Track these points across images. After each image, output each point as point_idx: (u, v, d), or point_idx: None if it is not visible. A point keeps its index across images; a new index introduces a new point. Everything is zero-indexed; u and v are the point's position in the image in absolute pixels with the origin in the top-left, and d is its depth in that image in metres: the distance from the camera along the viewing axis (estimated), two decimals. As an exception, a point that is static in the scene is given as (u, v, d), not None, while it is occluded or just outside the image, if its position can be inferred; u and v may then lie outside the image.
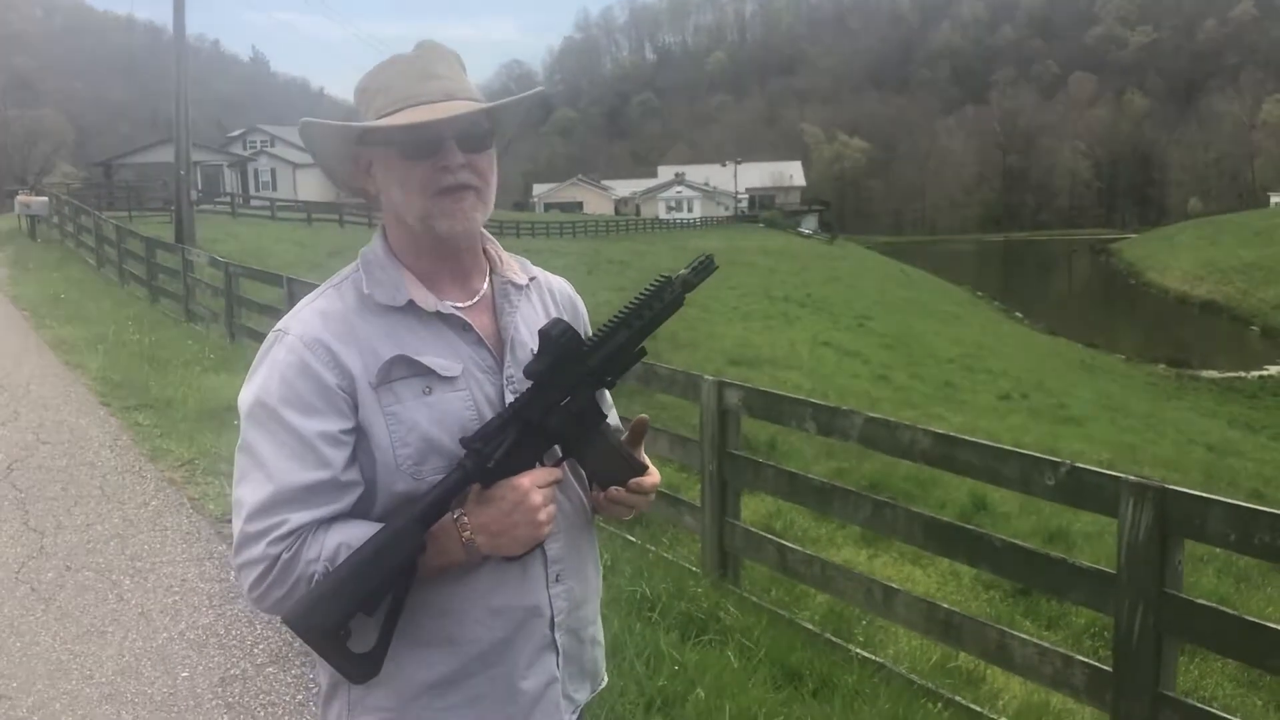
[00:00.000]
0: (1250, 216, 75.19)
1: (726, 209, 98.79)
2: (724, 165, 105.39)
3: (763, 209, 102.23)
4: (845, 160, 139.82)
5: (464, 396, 1.54)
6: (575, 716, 1.70)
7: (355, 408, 1.49)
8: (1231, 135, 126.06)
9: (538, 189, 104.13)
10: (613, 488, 1.61)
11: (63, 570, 5.24)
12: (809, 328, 26.74)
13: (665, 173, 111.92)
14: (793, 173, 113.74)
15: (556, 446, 1.57)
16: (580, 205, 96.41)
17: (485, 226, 1.62)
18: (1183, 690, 3.77)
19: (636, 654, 4.05)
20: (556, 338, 1.51)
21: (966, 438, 4.21)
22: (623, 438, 1.66)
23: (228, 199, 42.60)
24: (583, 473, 1.67)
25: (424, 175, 1.51)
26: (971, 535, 4.19)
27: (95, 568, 5.28)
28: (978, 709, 4.15)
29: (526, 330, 1.63)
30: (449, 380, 1.53)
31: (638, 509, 1.66)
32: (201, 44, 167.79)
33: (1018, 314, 49.32)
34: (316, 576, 1.42)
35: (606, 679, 1.81)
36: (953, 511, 8.03)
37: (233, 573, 5.03)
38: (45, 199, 29.73)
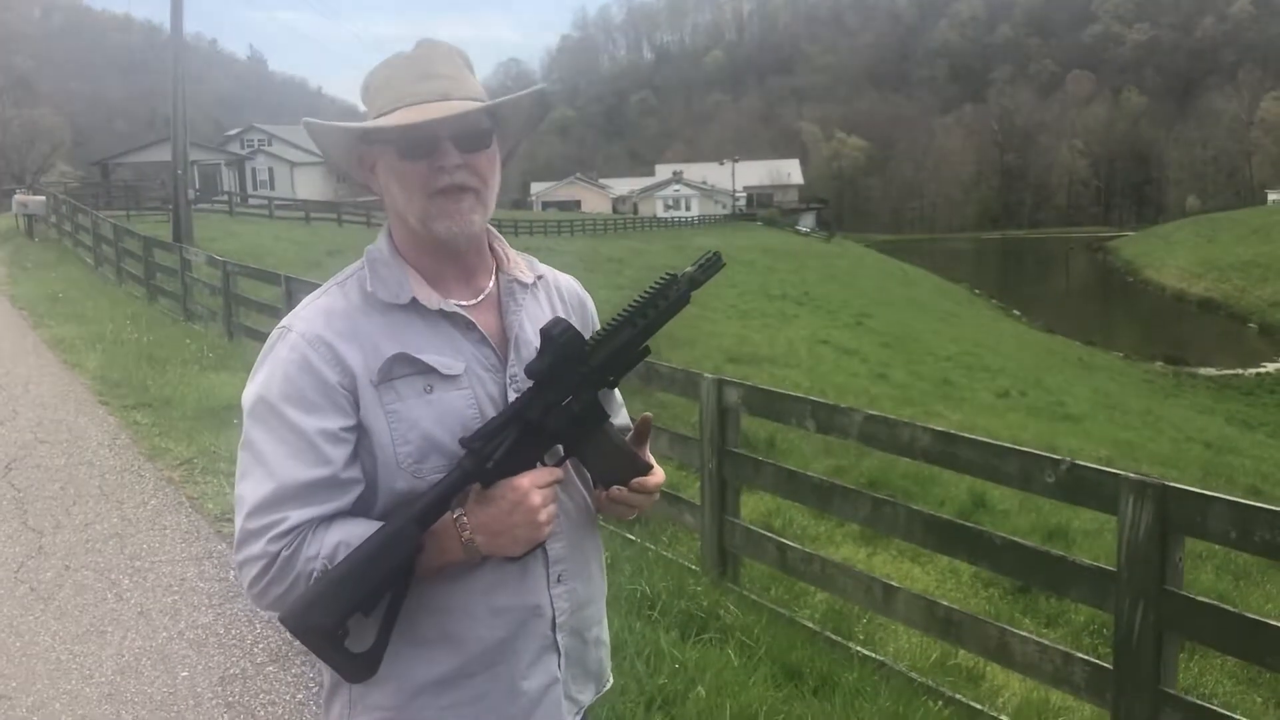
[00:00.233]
0: (1248, 214, 75.30)
1: (724, 207, 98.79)
2: (722, 164, 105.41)
3: (761, 207, 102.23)
4: (843, 158, 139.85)
5: (466, 395, 1.53)
6: (579, 718, 1.70)
7: (356, 405, 1.49)
8: (1229, 133, 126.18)
9: (536, 187, 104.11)
10: (615, 487, 1.60)
11: (62, 570, 5.24)
12: (807, 326, 26.76)
13: (663, 171, 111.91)
14: (790, 171, 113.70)
15: (559, 446, 1.56)
16: (578, 204, 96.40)
17: None
18: (1183, 687, 3.77)
19: (637, 652, 4.05)
20: (558, 337, 1.50)
21: (967, 435, 4.20)
22: (627, 436, 1.65)
23: (225, 198, 42.57)
24: (586, 473, 1.66)
25: (422, 175, 1.50)
26: (971, 533, 4.19)
27: (94, 567, 5.27)
28: (978, 706, 4.15)
29: (531, 329, 1.62)
30: (451, 379, 1.53)
31: (641, 509, 1.65)
32: (199, 43, 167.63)
33: (1016, 312, 49.37)
34: (316, 574, 1.41)
35: (612, 680, 1.79)
36: (952, 509, 8.03)
37: (233, 569, 5.03)
38: (43, 198, 29.68)
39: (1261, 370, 35.09)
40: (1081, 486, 3.61)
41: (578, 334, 1.52)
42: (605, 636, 1.76)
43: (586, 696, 1.71)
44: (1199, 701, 3.45)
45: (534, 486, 1.47)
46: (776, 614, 4.90)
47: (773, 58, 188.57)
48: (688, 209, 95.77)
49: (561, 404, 1.52)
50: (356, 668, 1.44)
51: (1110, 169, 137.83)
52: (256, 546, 1.43)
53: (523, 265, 1.70)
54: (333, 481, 1.46)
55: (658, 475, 1.63)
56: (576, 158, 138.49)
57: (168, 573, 5.20)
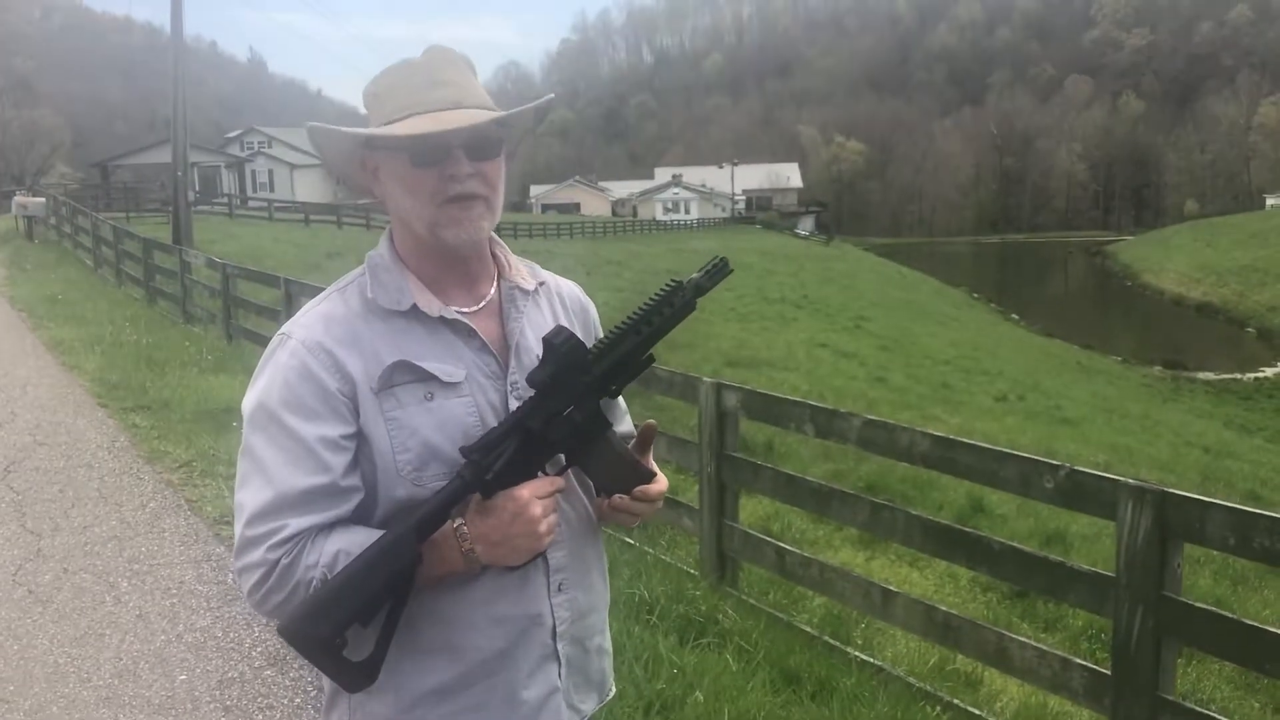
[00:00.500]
0: (1246, 219, 75.35)
1: (723, 210, 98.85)
2: (721, 167, 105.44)
3: (760, 210, 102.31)
4: (842, 162, 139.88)
5: (466, 403, 1.53)
6: None
7: (356, 413, 1.49)
8: (1228, 137, 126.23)
9: (535, 190, 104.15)
10: (617, 495, 1.59)
11: (60, 573, 5.23)
12: (806, 329, 26.75)
13: (662, 174, 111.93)
14: (790, 174, 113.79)
15: (560, 455, 1.55)
16: (578, 206, 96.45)
17: None
18: (1181, 693, 3.78)
19: (635, 657, 4.04)
20: (560, 346, 1.49)
21: (965, 440, 4.21)
22: (630, 444, 1.64)
23: (225, 200, 42.57)
24: (589, 481, 1.65)
25: (432, 183, 1.50)
26: (970, 538, 4.19)
27: (93, 570, 5.27)
28: (976, 712, 4.15)
29: (533, 336, 1.62)
30: (451, 386, 1.52)
31: (643, 517, 1.64)
32: (199, 45, 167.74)
33: (1014, 316, 49.37)
34: (315, 582, 1.41)
35: (615, 690, 1.79)
36: (950, 513, 8.03)
37: (232, 575, 5.03)
38: (42, 200, 29.67)
39: (1260, 375, 35.10)
40: (1080, 492, 3.61)
41: (580, 343, 1.51)
42: (608, 645, 1.75)
43: (589, 706, 1.70)
44: (1197, 707, 3.45)
45: (534, 497, 1.46)
46: (775, 618, 4.90)
47: (772, 61, 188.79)
48: (687, 212, 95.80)
49: (563, 413, 1.51)
50: (354, 677, 1.43)
51: (1109, 173, 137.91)
52: (256, 554, 1.43)
53: (524, 272, 1.69)
54: (332, 489, 1.46)
55: (660, 483, 1.62)
56: (576, 160, 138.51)
57: (166, 576, 5.20)
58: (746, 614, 4.85)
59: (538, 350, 1.59)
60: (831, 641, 4.71)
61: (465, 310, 1.58)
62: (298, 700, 3.97)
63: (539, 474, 1.51)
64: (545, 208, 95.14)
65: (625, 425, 1.78)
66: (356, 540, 1.43)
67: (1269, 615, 6.60)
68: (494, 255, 1.66)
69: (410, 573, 1.42)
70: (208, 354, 11.20)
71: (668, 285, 1.53)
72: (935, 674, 4.69)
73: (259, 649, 4.38)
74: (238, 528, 1.47)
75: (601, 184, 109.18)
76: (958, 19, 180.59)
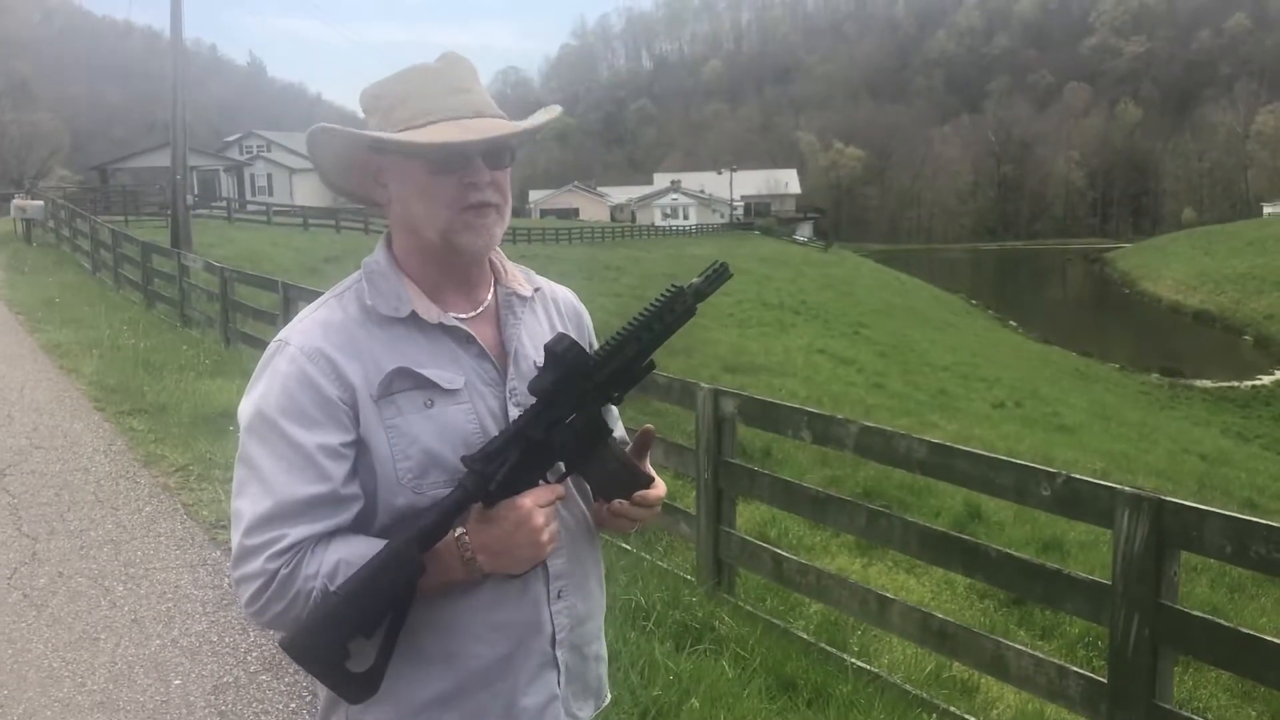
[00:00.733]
0: (1243, 227, 75.52)
1: (722, 216, 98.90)
2: (720, 173, 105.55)
3: (758, 216, 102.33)
4: (841, 168, 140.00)
5: (466, 410, 1.52)
6: None
7: (356, 420, 1.47)
8: (1225, 145, 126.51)
9: (534, 195, 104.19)
10: (616, 501, 1.58)
11: (55, 576, 5.22)
12: (804, 335, 26.79)
13: (661, 180, 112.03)
14: (788, 180, 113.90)
15: (560, 463, 1.55)
16: (576, 211, 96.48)
17: None
18: (1178, 701, 3.77)
19: (631, 663, 4.04)
20: (562, 354, 1.48)
21: (962, 447, 4.20)
22: (627, 449, 1.63)
23: (224, 204, 42.52)
24: (586, 487, 1.64)
25: (451, 190, 1.49)
26: (967, 545, 4.19)
27: (88, 574, 5.26)
28: (972, 719, 4.15)
29: (530, 342, 1.62)
30: (451, 393, 1.52)
31: (642, 523, 1.63)
32: (198, 49, 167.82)
33: (1012, 322, 49.47)
34: (315, 592, 1.40)
35: (610, 696, 1.78)
36: (947, 520, 8.03)
37: (229, 583, 5.02)
38: (41, 203, 29.66)
39: (1257, 382, 35.18)
40: (1077, 500, 3.61)
41: (582, 349, 1.50)
42: (604, 652, 1.75)
43: (586, 713, 1.69)
44: (1193, 716, 3.45)
45: (536, 506, 1.45)
46: (771, 625, 4.89)
47: (771, 67, 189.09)
48: (685, 218, 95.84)
49: (565, 421, 1.50)
50: (356, 689, 1.42)
51: (1107, 180, 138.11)
52: (255, 564, 1.42)
53: (520, 278, 1.69)
54: (332, 498, 1.45)
55: (659, 489, 1.61)
56: (575, 165, 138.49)
57: (162, 580, 5.19)
58: (743, 620, 4.84)
59: (535, 357, 1.60)
60: (828, 648, 4.70)
61: (463, 316, 1.58)
62: (293, 705, 3.96)
63: (540, 482, 1.50)
64: (544, 212, 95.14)
65: (618, 430, 1.78)
66: (357, 549, 1.42)
67: (1266, 624, 6.60)
68: (490, 261, 1.65)
69: (413, 584, 1.41)
70: (205, 358, 11.19)
71: (668, 291, 1.52)
72: (931, 681, 4.68)
73: (254, 654, 4.37)
74: (235, 537, 1.45)
75: (600, 189, 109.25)
76: (956, 26, 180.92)
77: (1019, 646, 3.99)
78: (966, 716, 4.16)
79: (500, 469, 1.44)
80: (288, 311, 9.49)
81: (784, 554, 5.12)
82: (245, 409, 1.50)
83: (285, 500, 1.42)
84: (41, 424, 8.40)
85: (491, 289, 1.64)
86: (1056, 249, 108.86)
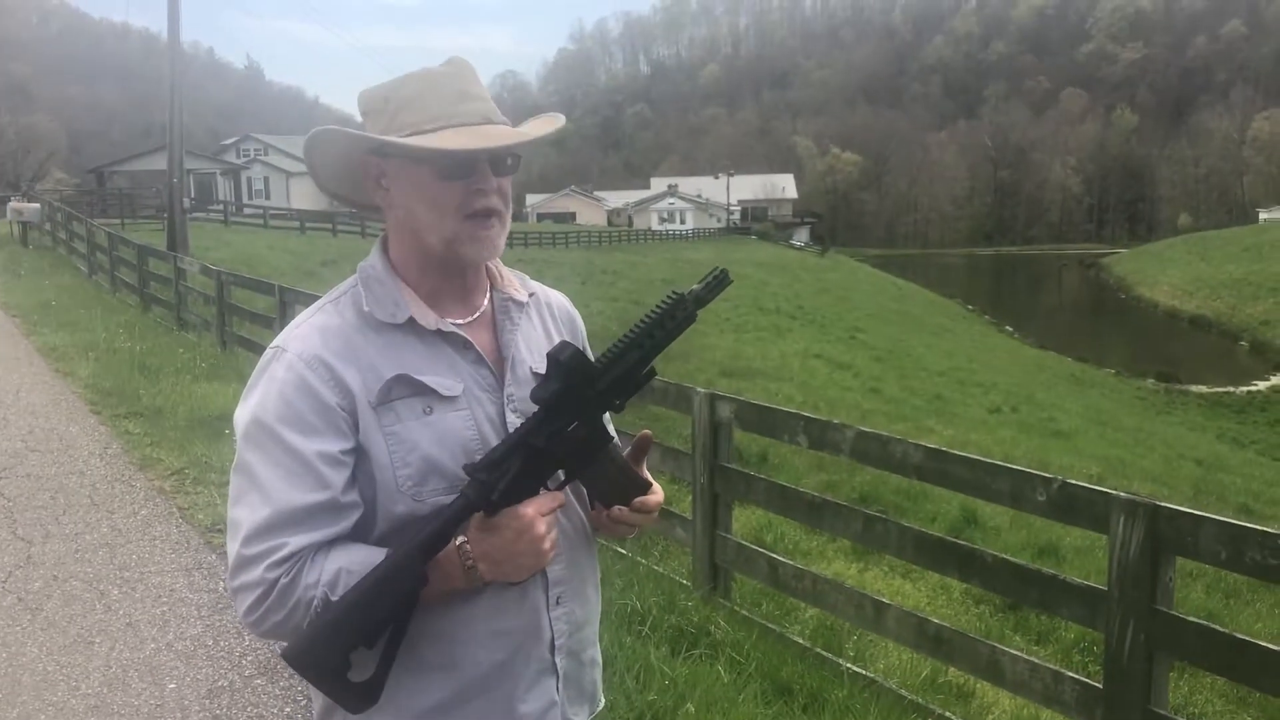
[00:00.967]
0: (1239, 232, 75.62)
1: (719, 221, 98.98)
2: (717, 177, 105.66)
3: (755, 221, 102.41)
4: (837, 173, 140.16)
5: (464, 416, 1.52)
6: None
7: (355, 427, 1.46)
8: (1221, 151, 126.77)
9: (531, 199, 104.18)
10: (616, 507, 1.58)
11: (50, 580, 5.21)
12: (801, 340, 26.79)
13: (658, 184, 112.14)
14: (785, 185, 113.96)
15: (560, 470, 1.54)
16: (573, 216, 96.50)
17: None
18: (1173, 707, 3.77)
19: (626, 668, 4.03)
20: (565, 362, 1.47)
21: (958, 453, 4.21)
22: (625, 453, 1.63)
23: (221, 207, 42.49)
24: (584, 491, 1.64)
25: (457, 197, 1.49)
26: (963, 550, 4.19)
27: (83, 577, 5.25)
28: (968, 725, 4.15)
29: (526, 348, 1.62)
30: (450, 400, 1.51)
31: (641, 528, 1.63)
32: (196, 51, 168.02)
33: (1008, 328, 49.50)
34: (316, 601, 1.39)
35: (604, 701, 1.78)
36: (943, 525, 8.04)
37: (225, 590, 5.01)
38: (38, 205, 29.61)
39: (1252, 388, 35.22)
40: (1072, 505, 3.61)
41: (585, 358, 1.49)
42: (599, 657, 1.74)
43: (582, 718, 1.69)
44: (1189, 721, 3.45)
45: (538, 514, 1.45)
46: (767, 630, 4.89)
47: (768, 72, 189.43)
48: (682, 222, 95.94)
49: (567, 429, 1.49)
50: (357, 699, 1.41)
51: (1103, 186, 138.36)
52: (254, 573, 1.40)
53: (516, 283, 1.68)
54: (332, 506, 1.44)
55: (657, 494, 1.61)
56: (572, 169, 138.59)
57: (157, 583, 5.18)
58: (739, 625, 4.84)
59: (530, 362, 1.60)
60: (823, 653, 4.70)
61: (460, 322, 1.57)
62: (288, 709, 3.95)
63: (541, 490, 1.49)
64: (541, 217, 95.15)
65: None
66: (357, 558, 1.41)
67: (1261, 629, 6.61)
68: (486, 266, 1.64)
69: (415, 594, 1.40)
70: (202, 361, 11.18)
71: (669, 298, 1.51)
72: (927, 686, 4.68)
73: (249, 658, 4.36)
74: (233, 546, 1.43)
75: (597, 193, 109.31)
76: (953, 32, 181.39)
77: (1014, 652, 3.99)
78: (962, 722, 4.16)
79: (503, 478, 1.43)
80: (284, 315, 9.48)
81: (780, 559, 5.12)
82: (242, 417, 1.49)
83: (284, 508, 1.41)
84: (37, 427, 8.38)
85: (487, 294, 1.64)
86: (1053, 254, 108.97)
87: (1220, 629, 3.32)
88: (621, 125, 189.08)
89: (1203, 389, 34.57)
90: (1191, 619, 3.37)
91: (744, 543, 5.43)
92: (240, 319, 12.08)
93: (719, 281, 1.53)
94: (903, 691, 4.36)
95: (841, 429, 4.66)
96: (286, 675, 4.17)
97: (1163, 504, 3.34)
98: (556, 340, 1.69)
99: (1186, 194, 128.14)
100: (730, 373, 17.76)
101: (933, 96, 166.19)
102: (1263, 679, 3.22)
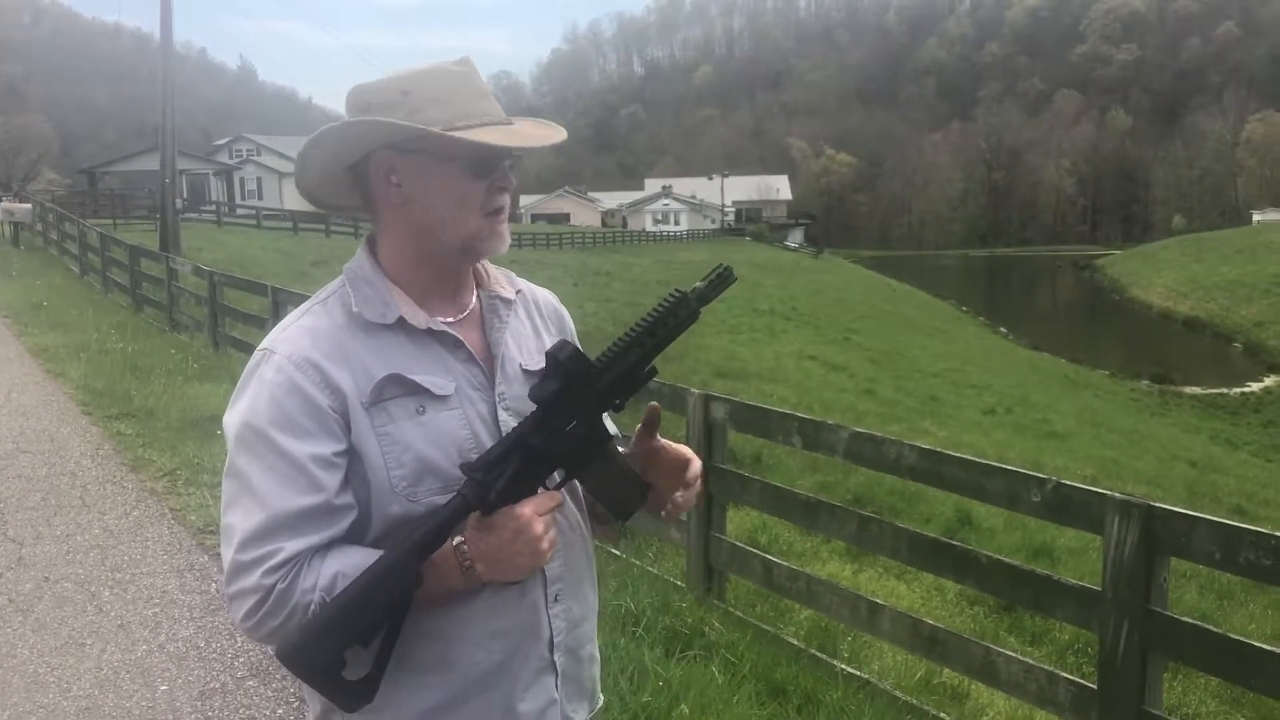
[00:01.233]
0: (1233, 234, 75.79)
1: (713, 222, 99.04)
2: (711, 178, 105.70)
3: (749, 222, 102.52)
4: (832, 174, 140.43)
5: (457, 415, 1.51)
6: None
7: (347, 429, 1.45)
8: (1215, 153, 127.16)
9: (525, 200, 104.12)
10: (679, 494, 1.59)
11: (41, 581, 5.19)
12: (795, 341, 26.81)
13: (652, 185, 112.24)
14: (779, 186, 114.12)
15: (559, 469, 1.53)
16: (567, 217, 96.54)
17: None
18: (1167, 707, 3.77)
19: (620, 669, 4.02)
20: (564, 361, 1.46)
21: (953, 453, 4.20)
22: (636, 429, 1.61)
23: (213, 207, 42.44)
24: (578, 487, 1.62)
25: (481, 195, 1.50)
26: (957, 551, 4.18)
27: (75, 579, 5.23)
28: (962, 726, 4.14)
29: (515, 346, 1.61)
30: (442, 399, 1.50)
31: (689, 504, 1.63)
32: (188, 52, 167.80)
33: (1002, 329, 49.55)
34: (313, 606, 1.37)
35: (603, 699, 1.77)
36: (938, 526, 8.04)
37: (218, 592, 4.99)
38: (29, 206, 29.59)
39: (1246, 389, 35.31)
40: (1067, 506, 3.61)
41: (584, 357, 1.48)
42: (597, 653, 1.73)
43: (581, 715, 1.68)
44: (1183, 722, 3.45)
45: (536, 515, 1.43)
46: (761, 631, 4.88)
47: (762, 73, 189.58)
48: (677, 223, 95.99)
49: (566, 429, 1.48)
50: (352, 697, 1.40)
51: (1097, 188, 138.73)
52: (250, 580, 1.38)
53: (503, 281, 1.67)
54: (326, 509, 1.42)
55: (695, 463, 1.61)
56: (566, 171, 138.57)
57: (149, 585, 5.15)
58: (733, 626, 4.83)
59: (520, 360, 1.59)
60: (818, 654, 4.69)
61: (449, 321, 1.56)
62: (280, 711, 3.93)
63: (539, 489, 1.48)
64: (535, 218, 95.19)
65: (610, 427, 1.77)
66: (354, 561, 1.40)
67: (1254, 630, 6.62)
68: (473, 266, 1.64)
69: (411, 594, 1.39)
70: (194, 362, 11.16)
71: (672, 296, 1.50)
72: (922, 687, 4.67)
73: (241, 659, 4.34)
74: (228, 553, 1.42)
75: (591, 194, 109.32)
76: (948, 33, 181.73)
77: (1009, 653, 3.99)
78: (956, 723, 4.15)
79: (500, 478, 1.42)
80: (277, 316, 9.46)
81: (774, 560, 5.11)
82: (232, 421, 1.47)
83: (278, 513, 1.40)
84: (28, 428, 8.35)
85: (475, 293, 1.63)
86: (1047, 256, 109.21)
87: (1214, 629, 3.32)
88: (615, 126, 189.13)
89: (1197, 390, 34.66)
90: (1186, 620, 3.37)
91: (738, 544, 5.42)
92: (233, 320, 12.06)
93: (722, 279, 1.51)
94: (897, 693, 4.36)
95: (836, 430, 4.65)
96: (279, 677, 4.15)
97: (1157, 505, 3.34)
98: (545, 336, 1.69)
99: (1180, 195, 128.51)
100: (725, 374, 17.78)
101: (927, 98, 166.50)
102: (1256, 679, 3.22)
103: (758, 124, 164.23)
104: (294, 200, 55.85)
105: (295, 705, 3.93)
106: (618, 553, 5.73)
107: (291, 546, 1.39)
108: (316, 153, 1.52)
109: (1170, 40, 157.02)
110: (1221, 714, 5.38)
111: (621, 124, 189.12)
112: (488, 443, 1.50)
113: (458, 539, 1.42)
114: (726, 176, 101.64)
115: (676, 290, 1.51)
